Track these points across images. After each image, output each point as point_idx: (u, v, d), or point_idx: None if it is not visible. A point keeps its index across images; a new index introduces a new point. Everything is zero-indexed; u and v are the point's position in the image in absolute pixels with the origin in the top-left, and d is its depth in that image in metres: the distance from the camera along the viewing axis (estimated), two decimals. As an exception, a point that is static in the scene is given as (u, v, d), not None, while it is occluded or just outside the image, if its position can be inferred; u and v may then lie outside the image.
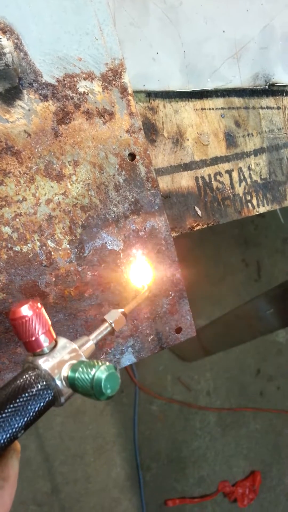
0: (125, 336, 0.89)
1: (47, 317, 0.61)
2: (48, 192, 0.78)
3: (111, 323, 0.71)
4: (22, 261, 0.77)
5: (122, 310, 0.74)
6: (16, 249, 0.76)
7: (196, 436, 2.86)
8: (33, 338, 0.59)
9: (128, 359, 0.89)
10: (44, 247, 0.79)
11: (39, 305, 0.60)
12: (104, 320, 0.72)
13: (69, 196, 0.80)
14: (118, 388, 0.58)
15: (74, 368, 0.58)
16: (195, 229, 0.94)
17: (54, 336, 0.61)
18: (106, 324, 0.71)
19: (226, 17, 0.93)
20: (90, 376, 0.56)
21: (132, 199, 0.85)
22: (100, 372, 0.56)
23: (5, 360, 0.78)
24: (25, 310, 0.59)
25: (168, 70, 0.87)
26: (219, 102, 0.98)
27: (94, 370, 0.56)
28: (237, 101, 1.02)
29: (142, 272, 0.85)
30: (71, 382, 0.58)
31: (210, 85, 0.93)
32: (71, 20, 0.78)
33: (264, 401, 3.13)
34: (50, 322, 0.61)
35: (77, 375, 0.57)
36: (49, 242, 0.79)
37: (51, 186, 0.78)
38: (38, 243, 0.78)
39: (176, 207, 0.92)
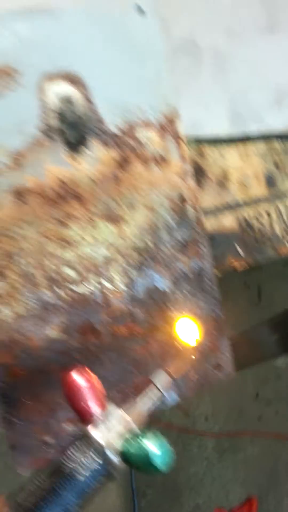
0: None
1: (98, 384, 0.64)
2: (106, 234, 0.85)
3: (160, 389, 0.71)
4: (81, 301, 0.84)
5: (170, 375, 0.74)
6: (76, 290, 0.83)
7: (193, 462, 2.89)
8: (85, 407, 0.61)
9: (172, 398, 0.96)
10: (101, 288, 0.86)
11: (90, 372, 0.64)
12: (151, 384, 0.71)
13: (125, 238, 0.87)
14: (171, 463, 0.59)
15: (127, 442, 0.59)
16: (237, 267, 1.03)
17: (106, 405, 0.63)
18: (155, 390, 0.70)
19: (272, 65, 1.02)
20: (144, 453, 0.57)
21: (182, 240, 0.93)
22: (154, 448, 0.58)
23: (59, 399, 0.85)
24: (78, 378, 0.62)
25: (217, 117, 0.96)
26: (261, 146, 1.07)
27: (148, 447, 0.57)
28: (278, 145, 1.11)
29: (190, 330, 0.92)
30: (125, 457, 0.58)
31: (254, 131, 1.03)
32: (134, 72, 0.85)
33: (263, 425, 3.16)
34: (103, 391, 0.64)
35: (131, 450, 0.58)
36: (105, 282, 0.86)
37: (109, 229, 0.85)
38: (95, 284, 0.85)
39: (220, 247, 1.01)
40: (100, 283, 0.84)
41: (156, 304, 0.90)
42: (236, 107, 0.96)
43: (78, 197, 0.81)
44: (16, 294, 0.78)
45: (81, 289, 0.82)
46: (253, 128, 1.01)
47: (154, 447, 0.57)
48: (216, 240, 0.99)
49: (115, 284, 0.86)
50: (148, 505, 2.69)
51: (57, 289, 0.81)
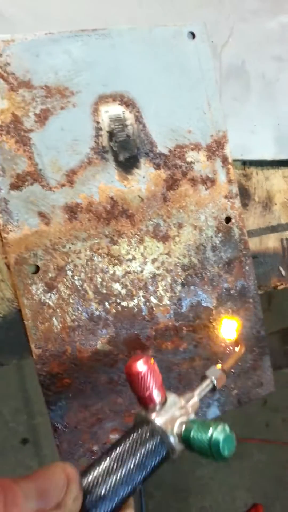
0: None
1: (159, 372, 0.63)
2: (154, 252, 0.84)
3: (213, 381, 0.72)
4: (128, 315, 0.82)
5: (221, 367, 0.74)
6: (124, 304, 0.82)
7: (201, 466, 2.83)
8: (147, 393, 0.60)
9: (213, 412, 0.93)
10: (148, 303, 0.84)
11: (152, 361, 0.62)
12: (205, 377, 0.72)
13: (172, 256, 0.85)
14: (234, 450, 0.58)
15: (188, 427, 0.59)
16: (279, 288, 0.98)
17: (165, 392, 0.63)
18: (208, 381, 0.71)
19: None
20: (208, 437, 0.56)
21: (226, 259, 0.90)
22: (217, 433, 0.57)
23: (106, 410, 0.82)
24: (141, 366, 0.60)
25: (263, 141, 0.93)
26: (306, 170, 1.04)
27: (211, 430, 0.57)
28: None
29: (235, 330, 0.89)
30: (185, 441, 0.58)
31: (299, 155, 1.00)
32: (185, 95, 0.85)
33: (270, 432, 3.08)
34: (161, 378, 0.63)
35: (192, 434, 0.58)
36: (152, 298, 0.84)
37: (157, 247, 0.84)
38: (142, 299, 0.83)
39: (263, 266, 0.97)
40: (147, 299, 0.82)
41: (200, 320, 0.86)
42: (283, 132, 0.93)
43: (128, 215, 0.79)
44: (66, 306, 0.75)
45: (128, 304, 0.80)
46: (298, 152, 0.97)
47: (217, 433, 0.57)
48: (259, 260, 0.95)
49: (161, 300, 0.83)
50: (156, 507, 2.64)
51: (106, 304, 0.79)
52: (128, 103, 0.80)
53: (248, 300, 0.93)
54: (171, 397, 0.63)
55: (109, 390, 0.82)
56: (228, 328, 0.90)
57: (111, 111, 0.79)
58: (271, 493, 3.02)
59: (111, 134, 0.79)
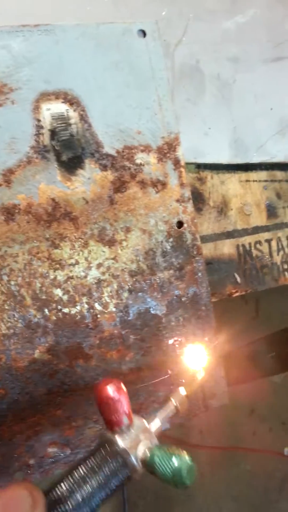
0: (160, 401, 0.89)
1: (128, 398, 0.63)
2: (99, 256, 0.80)
3: (177, 406, 0.71)
4: (70, 323, 0.78)
5: (184, 392, 0.73)
6: (65, 311, 0.78)
7: None
8: (114, 417, 0.61)
9: (163, 426, 0.89)
10: (92, 310, 0.80)
11: (123, 386, 0.63)
12: (169, 400, 0.72)
13: (118, 261, 0.82)
14: (194, 479, 0.58)
15: (152, 454, 0.59)
16: (234, 295, 0.95)
17: (132, 416, 0.63)
18: (172, 407, 0.71)
19: (275, 95, 0.97)
20: (171, 467, 0.57)
21: (177, 265, 0.87)
22: (181, 463, 0.58)
23: (44, 422, 0.78)
24: (111, 391, 0.61)
25: (218, 144, 0.91)
26: (263, 175, 1.01)
27: (175, 460, 0.58)
28: (279, 174, 1.05)
29: (197, 354, 0.86)
30: (149, 465, 0.59)
31: (255, 159, 0.97)
32: (134, 95, 0.81)
33: (256, 441, 3.05)
34: (129, 403, 0.63)
35: (156, 460, 0.58)
36: (96, 305, 0.80)
37: (103, 251, 0.80)
38: (86, 306, 0.79)
39: (217, 273, 0.94)
40: (91, 306, 0.78)
41: (149, 328, 0.83)
42: (239, 135, 0.90)
43: (71, 218, 0.76)
44: (1, 313, 0.72)
45: (70, 310, 0.76)
46: (255, 157, 0.94)
47: (181, 463, 0.58)
48: (214, 266, 0.92)
49: (107, 307, 0.79)
50: None
51: (45, 310, 0.75)
52: (72, 101, 0.77)
53: (201, 308, 0.90)
54: (137, 421, 0.63)
55: (47, 401, 0.78)
56: (193, 354, 0.87)
57: (53, 109, 0.75)
58: (257, 503, 2.99)
59: (53, 133, 0.75)
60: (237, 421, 3.00)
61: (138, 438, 0.61)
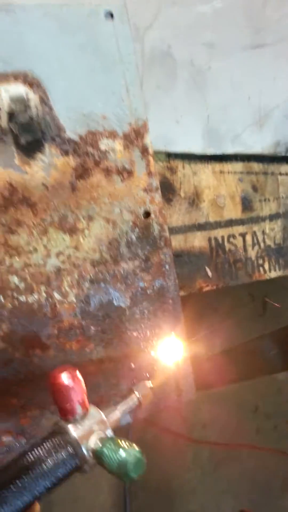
0: (123, 395, 0.87)
1: (84, 386, 0.63)
2: (59, 244, 0.78)
3: (140, 398, 0.71)
4: (26, 311, 0.77)
5: (150, 384, 0.73)
6: (22, 299, 0.76)
7: (188, 469, 2.78)
8: (68, 405, 0.60)
9: (124, 419, 0.88)
10: (50, 299, 0.78)
11: (78, 374, 0.62)
12: (132, 392, 0.72)
13: (80, 250, 0.80)
14: (142, 473, 0.59)
15: (102, 444, 0.59)
16: (204, 289, 0.93)
17: (87, 405, 0.62)
18: (134, 398, 0.71)
19: (253, 84, 0.95)
20: (118, 457, 0.57)
21: (143, 257, 0.85)
22: (129, 455, 0.57)
23: (-3, 410, 0.77)
24: (66, 379, 0.60)
25: (191, 133, 0.88)
26: (238, 166, 0.98)
27: (123, 452, 0.57)
28: (256, 166, 1.02)
29: (172, 348, 0.85)
30: (98, 456, 0.59)
31: (230, 150, 0.94)
32: (99, 78, 0.79)
33: (260, 439, 3.03)
34: (85, 391, 0.63)
35: (105, 451, 0.58)
36: (55, 294, 0.79)
37: (63, 239, 0.79)
38: (44, 295, 0.78)
39: (187, 266, 0.92)
40: (49, 294, 0.76)
41: (111, 320, 0.81)
42: (213, 124, 0.88)
43: (29, 204, 0.75)
44: None
45: (28, 299, 0.75)
46: (231, 147, 0.92)
47: (128, 456, 0.57)
48: (184, 259, 0.90)
49: (66, 296, 0.78)
50: (139, 508, 2.59)
51: (0, 297, 0.73)
52: (32, 83, 0.75)
53: (167, 301, 0.88)
54: (92, 411, 0.63)
55: (2, 390, 0.77)
56: (163, 347, 0.85)
57: (12, 90, 0.73)
58: (258, 501, 2.98)
59: (11, 115, 0.74)
60: (240, 418, 2.99)
61: (92, 429, 0.60)
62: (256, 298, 3.09)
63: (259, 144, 0.99)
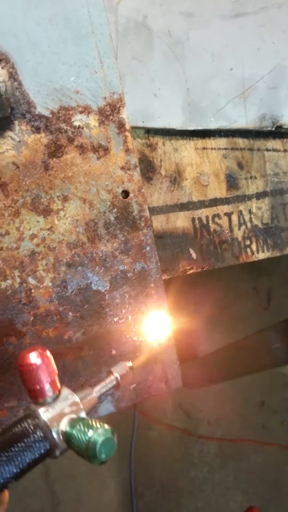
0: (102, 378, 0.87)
1: (54, 366, 0.61)
2: (33, 226, 0.77)
3: (117, 377, 0.70)
4: (0, 297, 0.76)
5: (130, 364, 0.73)
6: (-6, 285, 0.76)
7: (194, 466, 2.81)
8: (38, 387, 0.60)
9: (106, 408, 0.87)
10: (24, 284, 0.78)
11: (48, 353, 0.61)
12: (110, 373, 0.71)
13: (55, 232, 0.79)
14: (113, 454, 0.57)
15: (72, 425, 0.58)
16: (189, 272, 0.92)
17: (59, 386, 0.62)
18: (112, 378, 0.70)
19: (235, 55, 0.93)
20: (87, 438, 0.56)
21: (123, 238, 0.84)
22: (97, 435, 0.56)
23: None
24: (34, 358, 0.59)
25: (170, 107, 0.87)
26: (222, 142, 0.97)
27: (91, 431, 0.56)
28: (241, 142, 1.01)
29: (156, 325, 0.84)
30: (67, 439, 0.58)
31: (213, 125, 0.93)
32: (71, 51, 0.78)
33: (267, 434, 3.06)
34: (56, 371, 0.62)
35: (74, 432, 0.57)
36: (30, 279, 0.78)
37: (37, 221, 0.78)
38: (18, 280, 0.77)
39: (170, 248, 0.92)
40: (23, 279, 0.76)
41: (90, 305, 0.80)
42: (193, 97, 0.86)
43: (0, 185, 0.72)
44: None
45: (0, 284, 0.74)
46: (213, 122, 0.91)
47: (96, 435, 0.56)
48: (166, 241, 0.89)
49: (42, 281, 0.77)
50: (146, 506, 2.61)
51: None
52: (0, 58, 0.73)
53: (149, 285, 0.88)
54: (65, 393, 0.63)
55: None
56: (152, 324, 0.84)
57: (-23, 65, 0.72)
58: (266, 496, 3.00)
59: (-23, 91, 0.72)
60: (247, 413, 3.01)
61: (63, 412, 0.60)
62: (260, 292, 3.10)
63: (244, 118, 0.98)
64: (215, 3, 0.89)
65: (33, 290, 0.78)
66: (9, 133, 0.75)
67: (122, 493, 2.51)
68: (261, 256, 1.03)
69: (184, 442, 2.77)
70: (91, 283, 0.83)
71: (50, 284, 0.80)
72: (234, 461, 2.93)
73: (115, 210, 0.83)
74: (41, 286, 0.79)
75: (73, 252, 0.81)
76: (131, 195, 0.84)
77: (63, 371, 0.83)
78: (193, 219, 0.93)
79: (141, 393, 0.90)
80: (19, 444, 0.56)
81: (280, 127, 1.04)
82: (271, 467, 3.05)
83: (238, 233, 1.00)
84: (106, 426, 0.57)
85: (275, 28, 0.97)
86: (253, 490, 2.95)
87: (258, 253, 1.03)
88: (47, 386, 0.59)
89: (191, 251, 0.93)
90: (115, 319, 0.85)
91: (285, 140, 1.09)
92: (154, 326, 0.84)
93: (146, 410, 2.61)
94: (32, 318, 0.79)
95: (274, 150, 1.07)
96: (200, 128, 0.91)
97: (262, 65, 0.98)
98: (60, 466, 2.34)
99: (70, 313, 0.82)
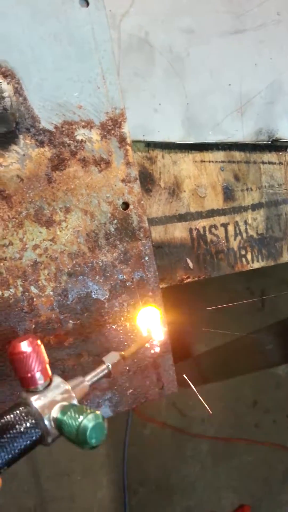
0: (103, 388, 0.90)
1: (45, 354, 0.64)
2: (36, 237, 0.81)
3: (108, 365, 0.73)
4: (2, 306, 0.79)
5: (121, 353, 0.75)
6: (-3, 294, 0.79)
7: (187, 464, 2.85)
8: (29, 375, 0.62)
9: (104, 412, 0.91)
10: (27, 293, 0.81)
11: (39, 342, 0.63)
12: (101, 362, 0.74)
13: (57, 242, 0.82)
14: (103, 440, 0.59)
15: (63, 411, 0.60)
16: (185, 281, 0.96)
17: (50, 374, 0.64)
18: (103, 366, 0.73)
19: (233, 70, 0.97)
20: (77, 423, 0.58)
21: (122, 249, 0.88)
22: (87, 420, 0.58)
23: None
24: (25, 346, 0.62)
25: (170, 121, 0.91)
26: (220, 155, 1.01)
27: (81, 417, 0.58)
28: (238, 155, 1.05)
29: (147, 315, 0.87)
30: (58, 426, 0.60)
31: (211, 138, 0.97)
32: (74, 67, 0.81)
33: (259, 433, 3.10)
34: (47, 360, 0.64)
35: (65, 419, 0.59)
36: (32, 288, 0.81)
37: (40, 232, 0.81)
38: (20, 289, 0.80)
39: (168, 258, 0.95)
40: (26, 288, 0.79)
41: (90, 313, 0.84)
42: (192, 112, 0.90)
43: (4, 197, 0.77)
44: None
45: (3, 293, 0.78)
46: (211, 136, 0.94)
47: (87, 420, 0.58)
48: (164, 251, 0.92)
49: (43, 290, 0.80)
50: (139, 503, 2.64)
51: (-25, 292, 0.75)
52: (6, 74, 0.77)
53: (147, 293, 0.91)
54: (56, 381, 0.65)
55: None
56: (144, 314, 0.87)
57: (-16, 81, 0.75)
58: (258, 495, 3.04)
59: (-16, 106, 0.76)
60: (239, 412, 3.04)
61: (55, 399, 0.62)
62: (255, 293, 3.14)
63: (241, 132, 1.01)
64: (215, 19, 0.93)
65: (35, 299, 0.82)
66: (14, 147, 0.78)
67: (115, 490, 2.54)
68: (256, 265, 1.06)
69: (177, 440, 2.80)
70: (91, 292, 0.86)
71: (51, 293, 0.83)
72: (226, 460, 2.97)
73: (115, 221, 0.87)
74: (43, 295, 0.82)
75: (74, 262, 0.84)
76: (131, 206, 0.88)
77: (62, 377, 0.86)
78: (190, 230, 0.97)
79: (138, 398, 0.93)
80: (11, 431, 0.58)
81: (276, 140, 1.08)
82: (263, 465, 3.09)
83: (234, 243, 1.04)
84: (97, 412, 0.59)
85: (274, 44, 1.01)
86: (245, 488, 3.00)
87: (253, 262, 1.06)
88: (38, 374, 0.62)
89: (188, 260, 0.96)
90: (114, 327, 0.89)
91: (280, 153, 1.13)
92: (152, 333, 0.87)
93: (140, 408, 2.65)
94: (33, 326, 0.82)
95: (270, 163, 1.11)
96: (198, 141, 0.95)
97: (259, 81, 1.02)
98: (54, 463, 2.37)
99: (71, 321, 0.85)
